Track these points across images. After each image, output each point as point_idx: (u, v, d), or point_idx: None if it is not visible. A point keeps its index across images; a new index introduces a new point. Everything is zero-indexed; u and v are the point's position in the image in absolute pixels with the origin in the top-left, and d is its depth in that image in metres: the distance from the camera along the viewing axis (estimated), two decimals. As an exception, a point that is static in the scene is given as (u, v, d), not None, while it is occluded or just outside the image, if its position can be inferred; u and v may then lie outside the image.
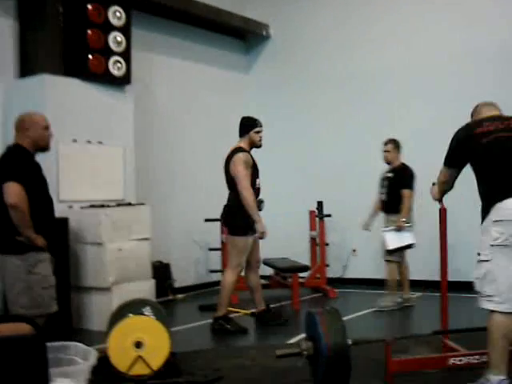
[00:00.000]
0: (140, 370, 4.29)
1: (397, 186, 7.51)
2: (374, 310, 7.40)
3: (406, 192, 7.44)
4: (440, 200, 4.59)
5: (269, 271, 8.96)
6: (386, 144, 7.70)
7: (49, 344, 2.87)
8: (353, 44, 9.88)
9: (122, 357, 4.28)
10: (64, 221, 6.52)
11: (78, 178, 7.18)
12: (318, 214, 9.16)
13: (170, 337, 4.51)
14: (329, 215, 9.18)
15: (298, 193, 9.80)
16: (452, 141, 4.14)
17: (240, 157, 6.43)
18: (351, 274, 9.69)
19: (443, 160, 4.22)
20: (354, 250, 9.64)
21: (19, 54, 7.42)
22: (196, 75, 9.91)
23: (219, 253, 9.14)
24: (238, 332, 6.42)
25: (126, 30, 7.65)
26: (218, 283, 9.38)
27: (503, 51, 8.50)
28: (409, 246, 7.48)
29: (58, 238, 5.17)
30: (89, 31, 7.30)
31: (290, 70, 10.53)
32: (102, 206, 6.95)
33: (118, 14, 7.54)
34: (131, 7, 7.84)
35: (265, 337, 6.61)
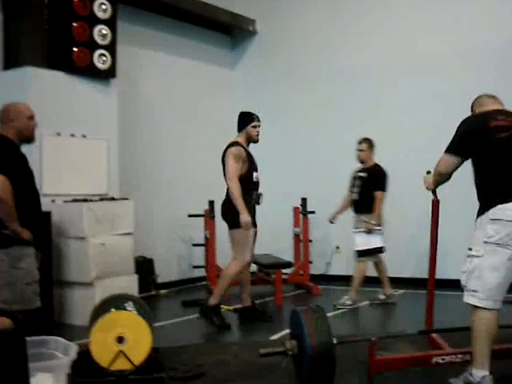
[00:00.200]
0: (122, 365, 4.26)
1: (370, 186, 7.47)
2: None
3: (379, 194, 7.42)
4: (434, 191, 4.47)
5: (252, 267, 8.93)
6: (360, 143, 7.67)
7: (29, 338, 2.84)
8: (340, 40, 9.89)
9: (103, 352, 4.25)
10: (47, 215, 6.46)
11: (61, 171, 7.14)
12: (302, 210, 9.17)
13: (152, 332, 4.49)
14: (313, 212, 9.18)
15: (282, 189, 9.79)
16: (459, 129, 4.03)
17: (231, 150, 6.49)
18: (334, 270, 9.70)
19: (446, 148, 4.06)
20: (338, 247, 9.65)
21: (3, 46, 7.36)
22: (182, 70, 9.88)
23: (203, 248, 9.14)
24: (222, 327, 6.40)
25: (111, 23, 7.60)
26: (201, 279, 9.43)
27: (494, 50, 8.54)
28: (379, 250, 7.48)
29: (41, 232, 5.12)
30: (74, 24, 7.24)
31: (277, 65, 10.52)
32: (85, 200, 6.91)
33: (103, 6, 7.49)
34: (117, 0, 7.78)
35: (248, 333, 6.60)
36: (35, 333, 3.74)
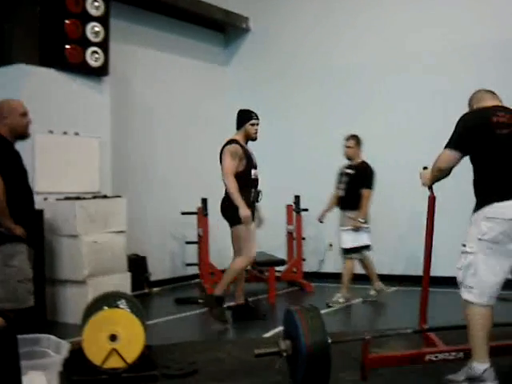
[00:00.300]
0: (115, 363, 4.25)
1: (357, 183, 7.46)
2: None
3: (365, 192, 7.40)
4: (430, 187, 4.37)
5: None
6: (347, 139, 7.65)
7: (21, 337, 2.83)
8: (334, 38, 9.88)
9: (96, 350, 4.24)
10: (39, 213, 6.44)
11: (53, 169, 7.11)
12: (295, 208, 9.17)
13: (145, 330, 4.48)
14: (306, 209, 9.19)
15: (275, 187, 9.75)
16: (460, 124, 3.98)
17: (227, 148, 6.51)
18: (328, 268, 9.70)
19: (447, 143, 3.98)
20: (331, 245, 9.63)
21: (-5, 43, 7.34)
22: (175, 67, 9.86)
23: (196, 246, 9.12)
24: (219, 321, 6.41)
25: (104, 21, 7.57)
26: (194, 277, 9.41)
27: (492, 47, 8.55)
28: (365, 248, 7.48)
29: (33, 229, 5.11)
30: (66, 21, 7.21)
31: (270, 63, 10.51)
32: (78, 198, 6.89)
33: (96, 3, 7.45)
34: (110, -3, 7.76)
35: (241, 330, 6.59)
36: (28, 331, 3.73)
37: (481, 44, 8.54)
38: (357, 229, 7.34)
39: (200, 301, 6.99)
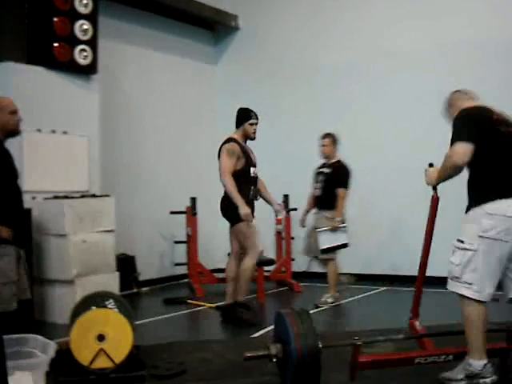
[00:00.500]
0: (102, 363, 4.22)
1: (333, 183, 7.44)
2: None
3: (341, 191, 7.38)
4: (435, 187, 4.18)
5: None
6: (323, 138, 7.64)
7: (7, 337, 2.80)
8: (322, 38, 9.90)
9: (84, 350, 4.21)
10: (27, 212, 6.39)
11: (42, 168, 7.07)
12: (284, 207, 9.15)
13: (133, 330, 4.45)
14: (295, 209, 9.16)
15: (264, 186, 9.77)
16: (463, 119, 3.90)
17: (225, 147, 6.53)
18: (317, 268, 9.66)
19: (456, 137, 3.80)
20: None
21: (-18, 41, 7.28)
22: (163, 65, 9.84)
23: (184, 246, 9.09)
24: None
25: (92, 18, 7.53)
26: (183, 276, 9.39)
27: (486, 47, 8.58)
28: (343, 246, 7.45)
29: (23, 230, 5.08)
30: (54, 19, 7.18)
31: (259, 61, 10.52)
32: (66, 197, 6.86)
33: (84, 1, 7.42)
34: (98, -5, 7.72)
35: (230, 330, 6.57)
36: (15, 331, 3.70)
37: (471, 43, 8.57)
38: (334, 229, 7.33)
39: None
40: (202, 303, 7.59)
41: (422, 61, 8.96)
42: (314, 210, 7.75)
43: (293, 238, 9.27)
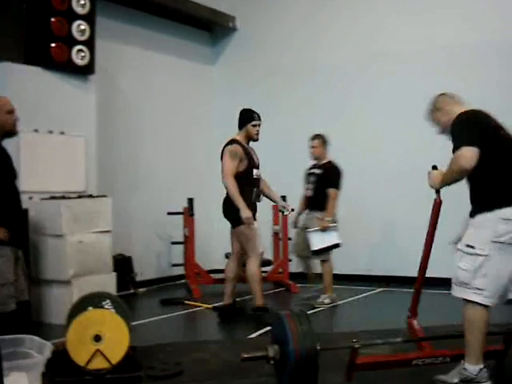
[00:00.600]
0: (99, 363, 4.21)
1: (324, 183, 7.44)
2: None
3: (332, 192, 7.38)
4: (438, 190, 4.10)
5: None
6: (312, 139, 7.64)
7: (4, 337, 2.80)
8: (320, 38, 9.90)
9: (80, 350, 4.20)
10: (24, 212, 6.39)
11: (38, 168, 7.06)
12: (280, 208, 9.14)
13: (129, 331, 4.45)
14: (292, 210, 9.13)
15: (261, 187, 9.77)
16: (464, 122, 3.86)
17: (227, 148, 6.49)
18: (314, 268, 9.67)
19: (461, 142, 3.72)
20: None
21: (-20, 41, 7.27)
22: (161, 66, 9.83)
23: (181, 246, 9.08)
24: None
25: (90, 19, 7.54)
26: (180, 277, 9.38)
27: (482, 49, 8.58)
28: (335, 246, 7.45)
29: (21, 231, 5.08)
30: (52, 19, 7.18)
31: (257, 62, 10.52)
32: (63, 197, 6.85)
33: (82, 1, 7.42)
34: (96, -5, 7.71)
35: (226, 331, 6.58)
36: (12, 332, 3.69)
37: (468, 45, 8.57)
38: (324, 229, 7.32)
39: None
40: (199, 304, 7.59)
41: (419, 62, 8.96)
42: (306, 211, 7.76)
43: (290, 239, 9.25)
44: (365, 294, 8.28)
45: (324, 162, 7.59)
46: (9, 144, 4.93)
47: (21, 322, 4.88)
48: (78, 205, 6.79)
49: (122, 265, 8.26)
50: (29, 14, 7.26)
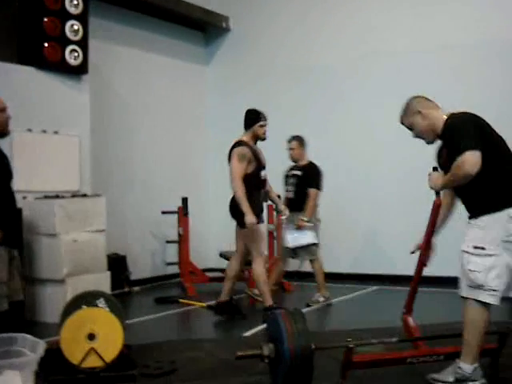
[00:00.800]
0: (93, 362, 4.22)
1: (305, 184, 7.45)
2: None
3: (312, 191, 7.40)
4: (438, 192, 4.05)
5: (225, 264, 8.91)
6: (290, 141, 7.65)
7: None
8: (313, 39, 9.91)
9: (74, 349, 4.21)
10: (18, 211, 6.39)
11: (32, 168, 7.06)
12: (276, 208, 9.14)
13: (124, 329, 4.45)
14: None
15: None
16: (462, 125, 3.80)
17: (235, 150, 6.43)
18: (309, 267, 9.65)
19: (464, 146, 3.64)
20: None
21: (-28, 41, 7.27)
22: (154, 66, 9.83)
23: (176, 245, 9.09)
24: None
25: (83, 19, 7.54)
26: (174, 276, 9.38)
27: (475, 49, 8.59)
28: (312, 245, 7.44)
29: (15, 231, 5.09)
30: (45, 19, 7.18)
31: (250, 62, 10.52)
32: (57, 196, 6.85)
33: (75, 1, 7.44)
34: (89, -5, 7.71)
35: (221, 329, 6.59)
36: (5, 331, 3.69)
37: (459, 45, 8.58)
38: (299, 227, 7.33)
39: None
40: (194, 302, 7.59)
41: (412, 62, 8.96)
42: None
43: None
44: (359, 293, 8.30)
45: (304, 163, 7.61)
46: (2, 144, 4.94)
47: (14, 321, 4.89)
48: (72, 204, 6.79)
49: (117, 264, 8.26)
50: (22, 14, 7.25)
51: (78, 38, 7.49)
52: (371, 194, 9.19)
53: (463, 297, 3.80)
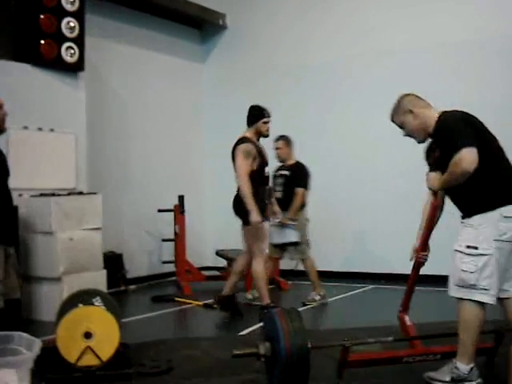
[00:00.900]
0: (89, 360, 4.21)
1: (293, 184, 7.46)
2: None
3: (299, 190, 7.42)
4: (436, 192, 4.00)
5: (222, 262, 8.92)
6: (276, 141, 7.64)
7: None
8: (310, 37, 9.90)
9: (70, 347, 4.20)
10: (14, 209, 6.36)
11: (28, 165, 7.03)
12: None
13: (120, 327, 4.44)
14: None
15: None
16: (456, 123, 3.78)
17: (240, 147, 6.39)
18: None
19: (461, 143, 3.60)
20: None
21: (-32, 38, 7.24)
22: (151, 63, 9.81)
23: (172, 244, 9.07)
24: None
25: (79, 16, 7.52)
26: (171, 274, 9.36)
27: (472, 47, 8.60)
28: (293, 244, 7.45)
29: (11, 229, 5.08)
30: (41, 16, 7.16)
31: (246, 60, 10.51)
32: (53, 194, 6.83)
33: (71, -2, 7.41)
34: (85, -8, 7.69)
35: (217, 328, 6.58)
36: (1, 329, 3.67)
37: (458, 43, 8.58)
38: (282, 224, 7.34)
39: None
40: (190, 301, 7.58)
41: (410, 60, 8.96)
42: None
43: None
44: (355, 292, 8.29)
45: (291, 162, 7.62)
46: (-1, 141, 4.94)
47: (11, 319, 4.87)
48: (68, 202, 6.78)
49: (113, 262, 8.25)
50: (18, 11, 7.22)
51: (74, 35, 7.47)
52: (367, 193, 9.19)
53: (459, 298, 3.79)
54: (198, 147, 10.73)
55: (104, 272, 7.08)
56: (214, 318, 6.74)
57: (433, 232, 4.18)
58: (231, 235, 8.81)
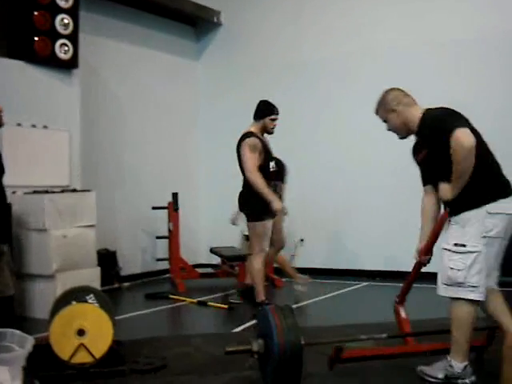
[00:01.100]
0: (82, 358, 4.21)
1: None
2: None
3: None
4: (448, 203, 3.90)
5: (216, 260, 8.93)
6: None
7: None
8: (305, 34, 9.89)
9: (64, 344, 4.20)
10: (7, 206, 6.35)
11: (22, 162, 7.01)
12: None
13: (113, 325, 4.44)
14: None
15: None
16: (444, 114, 3.80)
17: (246, 142, 6.34)
18: (299, 263, 9.69)
19: (453, 126, 3.59)
20: (302, 240, 9.65)
21: (-39, 35, 7.22)
22: (145, 60, 9.80)
23: (166, 241, 9.07)
24: None
25: (73, 13, 7.49)
26: (165, 271, 9.37)
27: (467, 45, 8.58)
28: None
29: (5, 226, 5.07)
30: (35, 12, 7.13)
31: (241, 58, 10.50)
32: (47, 191, 6.82)
33: (65, -5, 7.39)
34: (79, -11, 7.67)
35: (210, 325, 6.58)
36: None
37: (454, 41, 8.57)
38: None
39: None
40: (184, 298, 7.57)
41: (406, 57, 8.95)
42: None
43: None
44: (349, 289, 8.30)
45: None
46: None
47: (4, 316, 4.87)
48: (62, 199, 6.76)
49: (107, 259, 8.25)
50: (11, 8, 7.20)
51: (68, 32, 7.45)
52: (362, 190, 9.20)
53: (452, 297, 3.80)
54: (193, 144, 10.72)
55: (98, 269, 7.08)
56: (208, 316, 6.74)
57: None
58: (225, 232, 8.84)
